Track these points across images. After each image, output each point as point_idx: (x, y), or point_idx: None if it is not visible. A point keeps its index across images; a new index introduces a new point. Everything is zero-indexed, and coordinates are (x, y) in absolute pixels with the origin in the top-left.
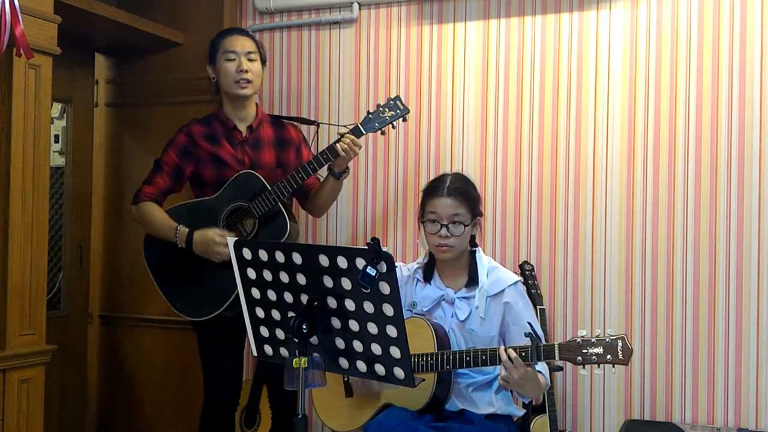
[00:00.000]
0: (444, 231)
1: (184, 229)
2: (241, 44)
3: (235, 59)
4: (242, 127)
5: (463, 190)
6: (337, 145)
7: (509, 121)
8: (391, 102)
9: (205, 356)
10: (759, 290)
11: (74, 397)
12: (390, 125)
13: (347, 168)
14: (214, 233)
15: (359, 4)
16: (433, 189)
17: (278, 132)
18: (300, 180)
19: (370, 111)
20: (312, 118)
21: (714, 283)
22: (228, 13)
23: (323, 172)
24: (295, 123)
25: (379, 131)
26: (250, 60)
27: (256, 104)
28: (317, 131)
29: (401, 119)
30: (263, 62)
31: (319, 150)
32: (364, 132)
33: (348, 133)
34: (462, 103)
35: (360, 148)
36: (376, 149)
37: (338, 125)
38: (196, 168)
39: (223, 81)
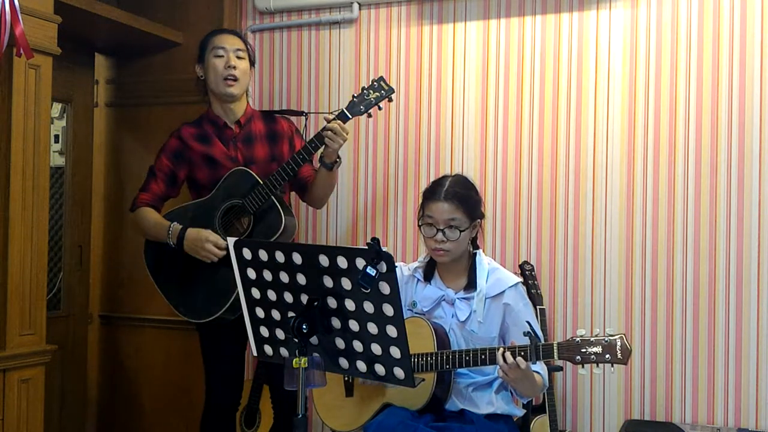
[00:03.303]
0: (440, 235)
1: (176, 226)
2: (231, 42)
3: (223, 55)
4: (233, 124)
5: (461, 195)
6: (328, 133)
7: (509, 121)
8: (375, 83)
9: (208, 358)
10: (759, 290)
11: (74, 397)
12: (376, 107)
13: (339, 158)
14: (207, 233)
15: (359, 4)
16: (431, 192)
17: (269, 126)
18: (291, 171)
19: (355, 95)
20: (301, 109)
21: (714, 283)
22: (228, 13)
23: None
24: (286, 115)
25: (366, 114)
26: (238, 57)
27: (248, 102)
28: (306, 121)
29: (387, 100)
30: (251, 63)
31: (306, 138)
32: (350, 116)
33: (334, 119)
34: (462, 103)
35: (347, 134)
36: (376, 149)
37: (324, 113)
38: (190, 171)
39: (211, 78)
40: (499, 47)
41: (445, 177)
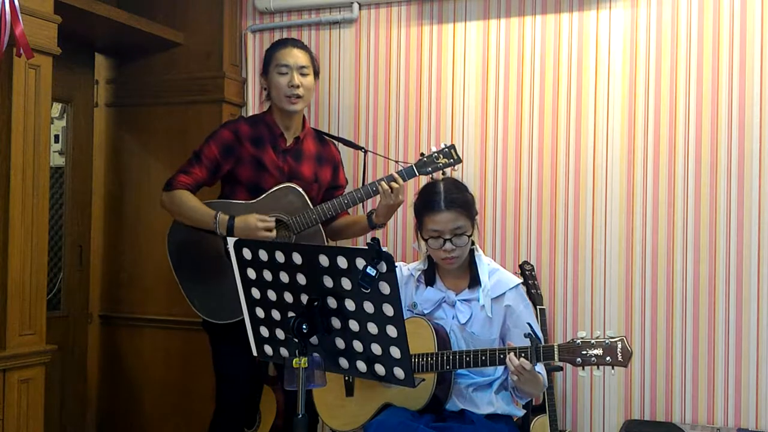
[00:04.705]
0: (448, 245)
1: (224, 216)
2: (294, 58)
3: (287, 73)
4: (288, 136)
5: (460, 200)
6: (390, 184)
7: (509, 121)
8: (446, 149)
9: (218, 360)
10: (759, 290)
11: (74, 397)
12: (441, 171)
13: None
14: (255, 218)
15: (359, 4)
16: (429, 204)
17: (320, 148)
18: (345, 206)
19: (425, 154)
20: (360, 144)
21: (714, 283)
22: (228, 13)
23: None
24: (337, 143)
25: (429, 176)
26: (302, 74)
27: (304, 117)
28: (365, 158)
29: (452, 168)
30: (316, 75)
31: (363, 176)
32: (417, 174)
33: (402, 172)
34: (462, 103)
35: (402, 198)
36: (376, 150)
37: (389, 158)
38: (234, 167)
39: (275, 94)
40: (499, 47)
41: (435, 183)
